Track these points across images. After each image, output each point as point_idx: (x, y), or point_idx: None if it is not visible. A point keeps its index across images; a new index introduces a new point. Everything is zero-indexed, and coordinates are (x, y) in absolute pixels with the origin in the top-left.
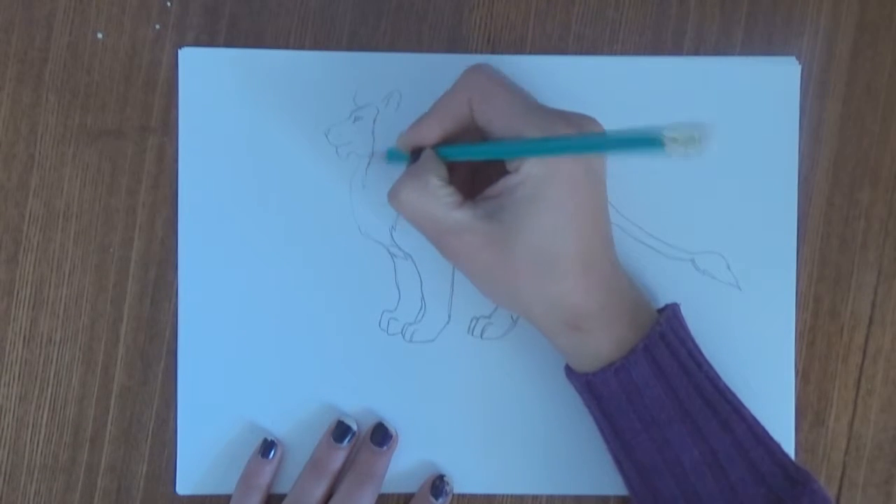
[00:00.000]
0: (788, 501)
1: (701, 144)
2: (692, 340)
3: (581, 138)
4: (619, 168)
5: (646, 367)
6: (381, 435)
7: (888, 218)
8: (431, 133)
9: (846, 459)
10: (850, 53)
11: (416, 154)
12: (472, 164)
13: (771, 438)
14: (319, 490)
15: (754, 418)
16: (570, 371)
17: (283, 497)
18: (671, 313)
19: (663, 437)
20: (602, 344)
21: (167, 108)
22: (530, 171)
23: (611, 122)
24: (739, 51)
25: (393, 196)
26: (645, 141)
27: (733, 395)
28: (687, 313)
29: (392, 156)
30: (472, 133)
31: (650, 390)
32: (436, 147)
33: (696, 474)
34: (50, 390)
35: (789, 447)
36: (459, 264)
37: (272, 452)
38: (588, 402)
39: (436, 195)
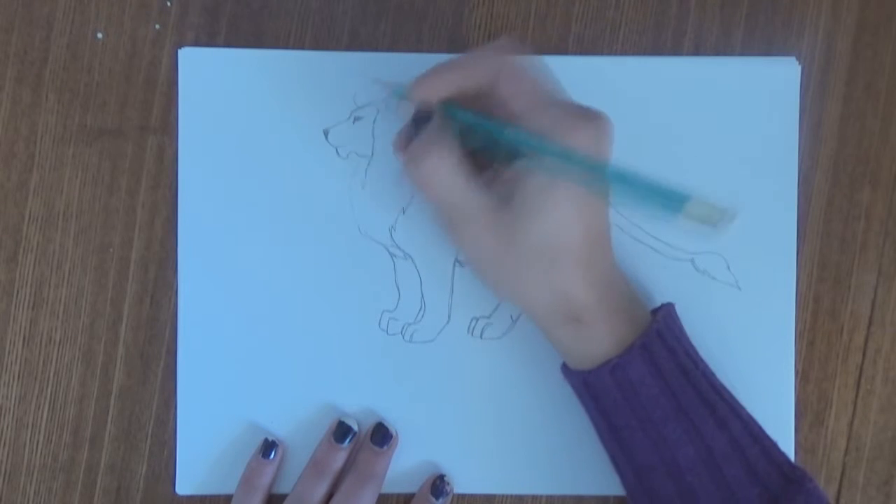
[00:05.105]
0: (783, 500)
1: (717, 227)
2: (688, 339)
3: (599, 166)
4: None
5: (642, 365)
6: (381, 435)
7: (888, 218)
8: (448, 89)
9: (846, 459)
10: (850, 53)
11: (421, 113)
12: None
13: (767, 437)
14: (320, 490)
15: (751, 417)
16: (566, 369)
17: (284, 497)
18: (667, 312)
19: (660, 435)
20: (600, 338)
21: (167, 108)
22: (545, 162)
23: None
24: (739, 51)
25: (413, 164)
26: (665, 201)
27: (730, 394)
28: (687, 313)
29: (397, 94)
30: (478, 102)
31: (647, 388)
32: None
33: (692, 472)
34: (50, 390)
35: (789, 447)
36: (466, 248)
37: (273, 452)
38: (584, 400)
39: (455, 170)
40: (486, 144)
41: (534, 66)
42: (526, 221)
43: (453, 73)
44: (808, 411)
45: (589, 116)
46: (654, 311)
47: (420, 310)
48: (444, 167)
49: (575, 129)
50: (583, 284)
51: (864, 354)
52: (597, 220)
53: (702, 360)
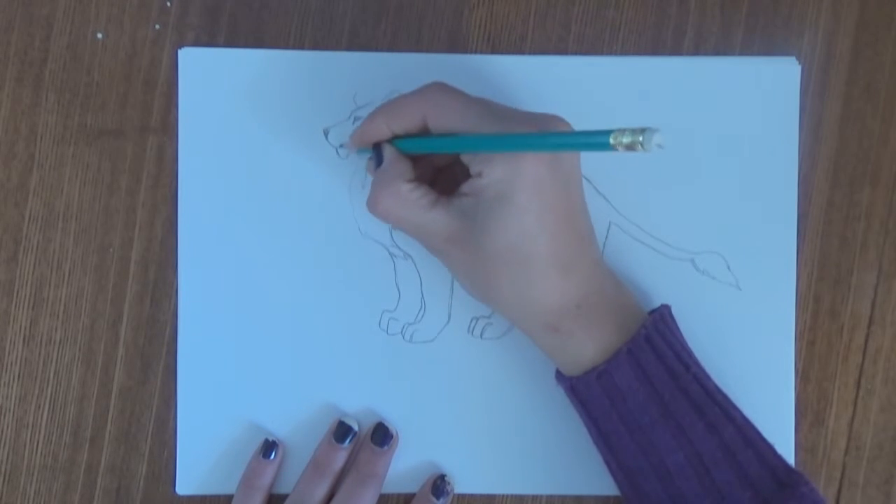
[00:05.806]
0: None
1: (644, 148)
2: (681, 342)
3: (531, 137)
4: (620, 168)
5: (629, 371)
6: (381, 435)
7: (888, 218)
8: (381, 133)
9: (846, 459)
10: (850, 53)
11: (377, 147)
12: (435, 163)
13: (762, 440)
14: (321, 490)
15: (746, 420)
16: (558, 374)
17: (284, 497)
18: (659, 315)
19: (648, 440)
20: (584, 346)
21: (167, 108)
22: (493, 174)
23: (611, 122)
24: (739, 51)
25: (372, 207)
26: (591, 143)
27: (724, 396)
28: (687, 313)
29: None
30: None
31: (634, 395)
32: (393, 141)
33: (681, 477)
34: (50, 390)
35: (789, 447)
36: (444, 262)
37: (273, 453)
38: (574, 405)
39: (408, 199)
40: (451, 162)
41: (462, 97)
42: (487, 233)
43: (380, 121)
44: (808, 411)
45: (537, 119)
46: (652, 313)
47: (420, 310)
48: (397, 201)
49: (515, 130)
50: (558, 293)
51: (864, 354)
52: (565, 226)
53: (695, 363)
